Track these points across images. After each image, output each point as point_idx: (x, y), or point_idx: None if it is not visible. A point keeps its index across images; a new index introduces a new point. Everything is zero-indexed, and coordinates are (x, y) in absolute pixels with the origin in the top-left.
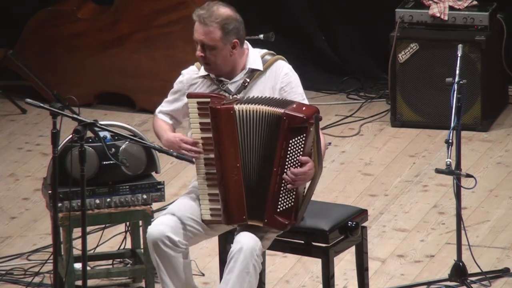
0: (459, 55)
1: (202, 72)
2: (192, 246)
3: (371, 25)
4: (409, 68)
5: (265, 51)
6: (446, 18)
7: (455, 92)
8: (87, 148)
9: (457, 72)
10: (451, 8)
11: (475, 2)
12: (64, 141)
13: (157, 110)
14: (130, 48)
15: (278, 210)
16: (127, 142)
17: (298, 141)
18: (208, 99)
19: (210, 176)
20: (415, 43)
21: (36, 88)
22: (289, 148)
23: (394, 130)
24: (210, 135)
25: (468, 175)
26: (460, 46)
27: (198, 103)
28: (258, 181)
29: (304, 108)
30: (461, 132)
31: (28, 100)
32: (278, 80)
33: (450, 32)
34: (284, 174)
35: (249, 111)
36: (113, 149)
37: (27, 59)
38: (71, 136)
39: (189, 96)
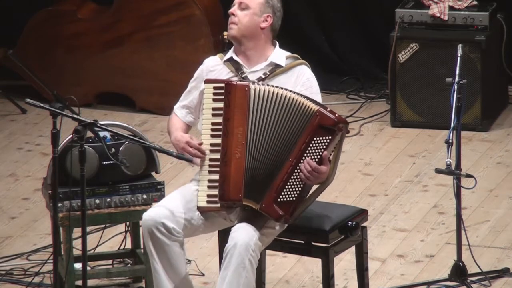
0: (459, 55)
1: (225, 58)
2: (191, 243)
3: (371, 25)
4: (409, 68)
5: (290, 53)
6: (446, 18)
7: (455, 92)
8: (87, 148)
9: (457, 72)
10: (451, 8)
11: (475, 2)
12: (64, 141)
13: (176, 105)
14: (130, 48)
15: (279, 199)
16: (127, 142)
17: (322, 141)
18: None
19: (212, 162)
20: (415, 43)
21: (36, 88)
22: (311, 144)
23: (394, 130)
24: (220, 120)
25: (468, 175)
26: (460, 46)
27: (214, 88)
28: (264, 164)
29: (336, 114)
30: (461, 132)
31: (28, 100)
32: (299, 83)
33: (450, 32)
34: (298, 168)
35: (268, 92)
36: (113, 149)
37: (27, 59)
38: (71, 136)
39: (207, 81)
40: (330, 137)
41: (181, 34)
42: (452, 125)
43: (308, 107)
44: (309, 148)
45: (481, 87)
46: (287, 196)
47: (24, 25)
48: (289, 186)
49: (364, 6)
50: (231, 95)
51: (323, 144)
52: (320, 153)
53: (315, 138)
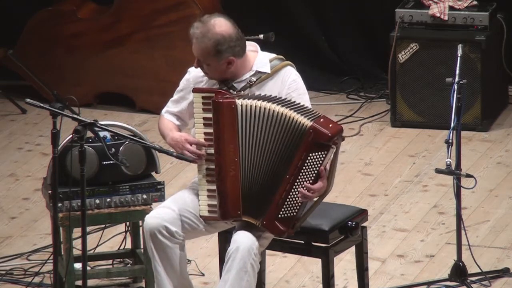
0: (459, 55)
1: None
2: (192, 243)
3: (371, 25)
4: (409, 68)
5: (274, 55)
6: (446, 18)
7: (455, 92)
8: (87, 148)
9: (457, 72)
10: (451, 8)
11: (475, 2)
12: (64, 141)
13: (163, 110)
14: (130, 48)
15: (280, 216)
16: (127, 142)
17: (318, 156)
18: (213, 94)
19: (210, 172)
20: (415, 43)
21: (36, 88)
22: (307, 161)
23: (394, 130)
24: (211, 130)
25: (468, 175)
26: (460, 46)
27: (203, 97)
28: (260, 180)
29: (330, 125)
30: (461, 132)
31: (28, 100)
32: (285, 85)
33: (450, 32)
34: (296, 185)
35: (255, 108)
36: (113, 149)
37: (27, 59)
38: (71, 136)
39: (195, 91)
40: (325, 152)
41: (181, 34)
42: (452, 125)
43: (301, 123)
44: (305, 165)
45: (481, 87)
46: (287, 212)
47: (24, 25)
48: (289, 203)
49: (364, 6)
50: (218, 113)
51: (319, 159)
52: (317, 169)
53: (310, 155)
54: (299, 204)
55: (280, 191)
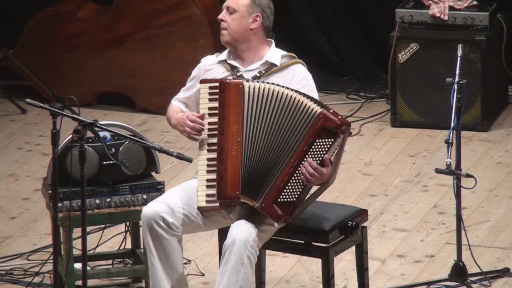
0: (459, 55)
1: (220, 58)
2: (191, 243)
3: (371, 25)
4: (409, 68)
5: (286, 52)
6: (446, 18)
7: (455, 92)
8: (87, 148)
9: (457, 72)
10: (451, 8)
11: (475, 2)
12: (64, 141)
13: (174, 98)
14: (130, 48)
15: (279, 200)
16: (127, 142)
17: (325, 143)
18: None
19: (210, 162)
20: (415, 43)
21: (36, 88)
22: (313, 146)
23: (394, 130)
24: (216, 119)
25: (468, 175)
26: (460, 46)
27: (210, 87)
28: (262, 162)
29: (339, 116)
30: (461, 132)
31: (28, 100)
32: (294, 81)
33: (450, 32)
34: (299, 170)
35: (263, 89)
36: (113, 149)
37: (27, 59)
38: (71, 136)
39: (202, 82)
40: (332, 140)
41: (181, 34)
42: (452, 125)
43: (311, 108)
44: (311, 150)
45: (481, 87)
46: (287, 196)
47: (24, 25)
48: (290, 187)
49: (364, 6)
50: (225, 93)
51: (325, 146)
52: (322, 155)
53: (317, 140)
54: (300, 189)
55: (283, 175)
